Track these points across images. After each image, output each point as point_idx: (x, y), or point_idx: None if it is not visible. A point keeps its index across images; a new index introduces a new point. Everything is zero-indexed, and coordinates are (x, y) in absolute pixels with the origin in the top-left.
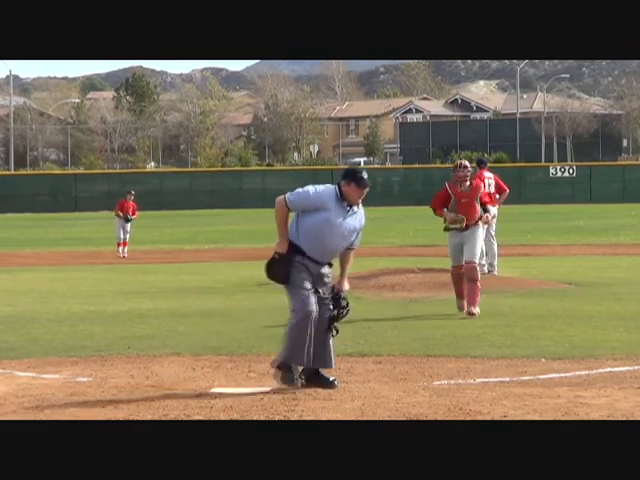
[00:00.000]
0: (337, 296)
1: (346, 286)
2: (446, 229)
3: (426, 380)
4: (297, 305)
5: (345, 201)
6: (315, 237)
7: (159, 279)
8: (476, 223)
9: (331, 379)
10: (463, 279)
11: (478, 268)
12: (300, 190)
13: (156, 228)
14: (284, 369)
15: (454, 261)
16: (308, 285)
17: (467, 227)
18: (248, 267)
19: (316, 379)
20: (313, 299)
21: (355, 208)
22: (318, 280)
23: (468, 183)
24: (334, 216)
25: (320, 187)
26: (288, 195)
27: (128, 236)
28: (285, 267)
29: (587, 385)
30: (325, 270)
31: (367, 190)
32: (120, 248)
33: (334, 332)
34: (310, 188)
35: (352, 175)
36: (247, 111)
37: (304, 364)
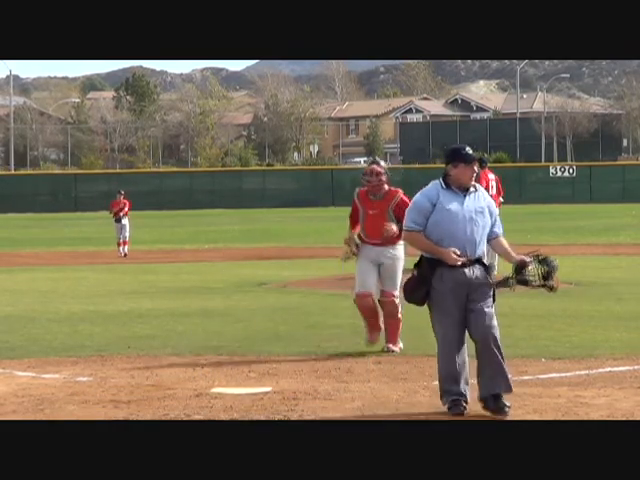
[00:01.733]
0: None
1: (519, 257)
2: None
3: (426, 380)
4: (438, 334)
5: (453, 186)
6: (443, 232)
7: (159, 279)
8: (391, 242)
9: (503, 406)
10: (374, 310)
11: (397, 302)
12: (408, 208)
13: (156, 228)
14: (444, 398)
15: (360, 285)
16: (450, 312)
17: (381, 244)
18: (248, 267)
19: (492, 403)
20: (454, 328)
21: (471, 189)
22: (473, 292)
23: (386, 188)
24: (449, 204)
25: (424, 189)
26: (404, 223)
27: (127, 235)
28: (422, 286)
29: (587, 385)
30: (477, 274)
31: (477, 167)
32: (120, 247)
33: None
34: (415, 197)
35: (457, 154)
36: (247, 111)
37: (457, 390)
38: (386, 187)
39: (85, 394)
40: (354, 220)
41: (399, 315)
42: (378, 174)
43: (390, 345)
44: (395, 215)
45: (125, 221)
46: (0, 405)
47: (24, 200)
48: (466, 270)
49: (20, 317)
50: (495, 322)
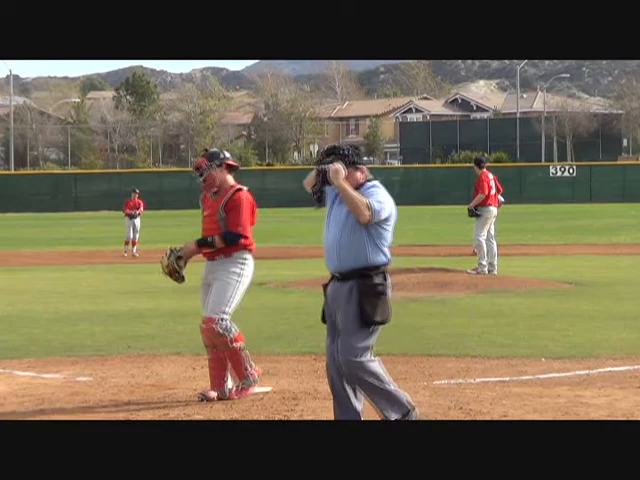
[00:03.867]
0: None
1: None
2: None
3: (426, 380)
4: None
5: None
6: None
7: (159, 279)
8: (225, 252)
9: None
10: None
11: (220, 328)
12: None
13: (156, 228)
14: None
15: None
16: (328, 327)
17: (213, 257)
18: None
19: None
20: (328, 345)
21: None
22: (335, 309)
23: (231, 182)
24: (330, 205)
25: None
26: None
27: (138, 235)
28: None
29: (587, 385)
30: (340, 290)
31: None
32: (126, 247)
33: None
34: None
35: None
36: (247, 111)
37: (337, 417)
38: (231, 181)
39: (85, 394)
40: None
41: (230, 344)
42: (198, 168)
43: (208, 390)
44: (225, 214)
45: (138, 221)
46: (0, 405)
47: (24, 200)
48: (331, 286)
49: (20, 317)
50: (351, 355)
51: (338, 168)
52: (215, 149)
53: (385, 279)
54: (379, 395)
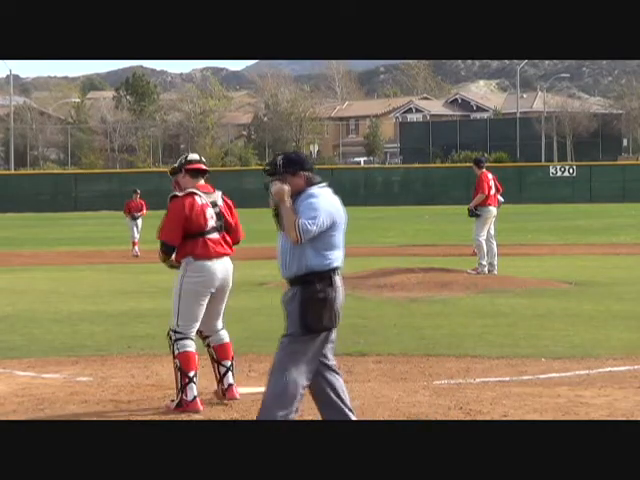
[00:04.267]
0: None
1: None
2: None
3: (426, 380)
4: None
5: None
6: None
7: (160, 279)
8: (177, 261)
9: None
10: (213, 358)
11: (169, 339)
12: None
13: (156, 228)
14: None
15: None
16: None
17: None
18: (248, 267)
19: None
20: None
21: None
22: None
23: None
24: None
25: None
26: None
27: (138, 235)
28: None
29: (587, 385)
30: (286, 296)
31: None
32: (136, 247)
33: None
34: None
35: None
36: (247, 111)
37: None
38: (194, 184)
39: (85, 394)
40: None
41: (173, 357)
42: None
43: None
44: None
45: (140, 221)
46: (0, 405)
47: (24, 200)
48: (285, 291)
49: (20, 317)
50: (281, 352)
51: (278, 190)
52: (184, 154)
53: (331, 284)
54: (269, 400)
